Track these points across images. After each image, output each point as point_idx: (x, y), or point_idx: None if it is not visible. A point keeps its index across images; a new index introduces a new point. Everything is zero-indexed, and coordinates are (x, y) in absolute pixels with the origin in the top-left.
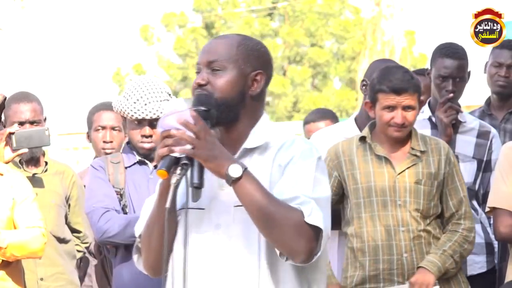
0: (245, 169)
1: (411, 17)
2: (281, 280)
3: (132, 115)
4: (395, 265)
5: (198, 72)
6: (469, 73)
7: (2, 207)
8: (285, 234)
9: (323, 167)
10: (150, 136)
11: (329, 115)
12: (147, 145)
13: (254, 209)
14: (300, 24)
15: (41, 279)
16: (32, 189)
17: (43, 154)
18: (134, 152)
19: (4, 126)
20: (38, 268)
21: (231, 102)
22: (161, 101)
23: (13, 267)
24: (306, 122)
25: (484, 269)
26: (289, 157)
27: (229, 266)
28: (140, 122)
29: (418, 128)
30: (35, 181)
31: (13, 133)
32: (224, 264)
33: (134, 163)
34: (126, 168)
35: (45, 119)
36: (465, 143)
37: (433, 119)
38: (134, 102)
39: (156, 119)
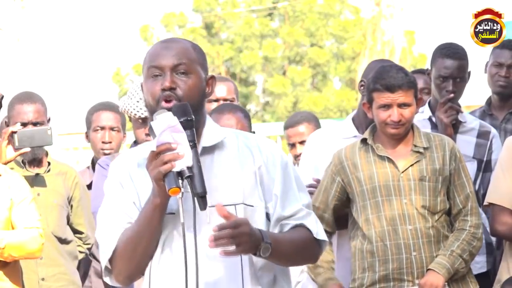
0: (270, 243)
1: (411, 17)
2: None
3: (136, 114)
4: (404, 264)
5: (157, 75)
6: (469, 73)
7: (0, 207)
8: (303, 260)
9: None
10: None
11: (308, 118)
12: None
13: (281, 262)
14: (300, 24)
15: (42, 279)
16: (30, 190)
17: (46, 154)
18: None
19: (8, 126)
20: (39, 268)
21: (197, 106)
22: None
23: (11, 267)
24: (286, 127)
25: (484, 269)
26: (267, 161)
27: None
28: (144, 121)
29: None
30: (38, 181)
31: (15, 132)
32: (206, 264)
33: None
34: None
35: (49, 120)
36: (465, 143)
37: (433, 119)
38: (137, 101)
39: None
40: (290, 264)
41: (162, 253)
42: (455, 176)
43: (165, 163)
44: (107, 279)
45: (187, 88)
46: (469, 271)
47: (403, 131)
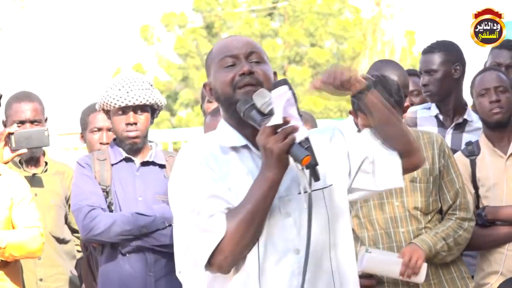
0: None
1: (411, 17)
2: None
3: (115, 103)
4: None
5: (230, 66)
6: (456, 66)
7: (0, 207)
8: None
9: None
10: (135, 123)
11: (305, 119)
12: (132, 133)
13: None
14: (300, 24)
15: (41, 279)
16: (30, 189)
17: (43, 154)
18: (120, 149)
19: (5, 126)
20: (37, 269)
21: None
22: (143, 89)
23: (11, 267)
24: None
25: None
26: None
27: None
28: (124, 111)
29: (425, 125)
30: (35, 181)
31: (12, 133)
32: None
33: (121, 160)
34: (112, 165)
35: (46, 120)
36: None
37: (440, 117)
38: (119, 89)
39: (139, 106)
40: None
41: (267, 239)
42: (444, 173)
43: (287, 136)
44: (208, 273)
45: (263, 74)
46: (464, 266)
47: None
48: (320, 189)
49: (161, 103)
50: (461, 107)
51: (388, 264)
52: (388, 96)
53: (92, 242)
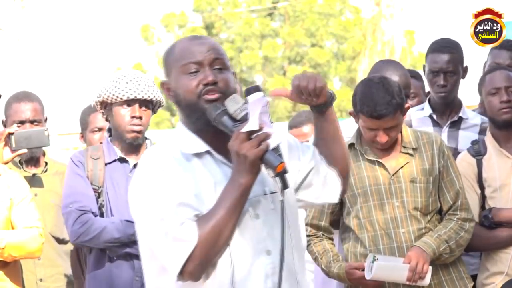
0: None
1: (411, 17)
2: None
3: (123, 96)
4: None
5: (193, 72)
6: (465, 68)
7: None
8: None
9: None
10: (140, 117)
11: (311, 119)
12: (137, 128)
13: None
14: (300, 24)
15: (40, 279)
16: (29, 189)
17: (43, 154)
18: (115, 147)
19: (5, 126)
20: (37, 269)
21: None
22: (149, 85)
23: (11, 267)
24: (289, 127)
25: (477, 271)
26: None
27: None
28: (130, 104)
29: (420, 126)
30: (35, 181)
31: (12, 134)
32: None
33: (115, 160)
34: (106, 164)
35: (46, 119)
36: (467, 139)
37: (434, 116)
38: (127, 83)
39: (146, 101)
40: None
41: (238, 242)
42: (444, 173)
43: (261, 142)
44: (179, 283)
45: (226, 82)
46: (463, 265)
47: (390, 144)
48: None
49: (163, 102)
50: (457, 105)
51: (396, 270)
52: (390, 98)
53: (81, 246)
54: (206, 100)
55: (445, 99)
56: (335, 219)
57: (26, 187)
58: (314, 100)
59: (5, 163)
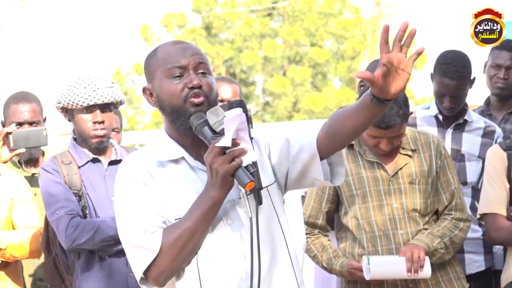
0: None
1: (411, 17)
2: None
3: (83, 102)
4: None
5: (178, 76)
6: (473, 79)
7: (0, 207)
8: None
9: None
10: (102, 122)
11: None
12: (100, 132)
13: None
14: (300, 24)
15: (40, 279)
16: (29, 189)
17: (43, 154)
18: (85, 150)
19: (4, 127)
20: (36, 269)
21: (215, 104)
22: (108, 87)
23: (12, 267)
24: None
25: (482, 268)
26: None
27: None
28: (90, 110)
29: (424, 125)
30: (34, 181)
31: (10, 133)
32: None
33: (87, 162)
34: (79, 167)
35: (44, 119)
36: (471, 142)
37: (440, 116)
38: (84, 88)
39: (106, 104)
40: None
41: (211, 244)
42: (440, 173)
43: (234, 158)
44: (142, 284)
45: (210, 86)
46: (459, 267)
47: (392, 149)
48: (266, 186)
49: (124, 101)
50: (464, 108)
51: (393, 264)
52: (397, 109)
53: (76, 251)
54: (192, 104)
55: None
56: (331, 218)
57: (26, 187)
58: (400, 83)
59: (4, 163)
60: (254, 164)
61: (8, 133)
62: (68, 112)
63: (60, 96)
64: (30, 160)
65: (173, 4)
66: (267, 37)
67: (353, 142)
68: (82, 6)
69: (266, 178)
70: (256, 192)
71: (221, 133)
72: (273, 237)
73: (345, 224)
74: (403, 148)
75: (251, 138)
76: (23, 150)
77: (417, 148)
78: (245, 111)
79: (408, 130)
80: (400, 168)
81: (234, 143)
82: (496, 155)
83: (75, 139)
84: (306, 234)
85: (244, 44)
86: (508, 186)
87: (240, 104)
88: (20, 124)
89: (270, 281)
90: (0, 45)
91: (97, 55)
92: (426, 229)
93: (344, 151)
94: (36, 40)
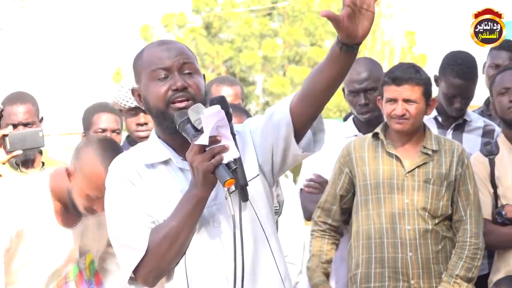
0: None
1: (411, 17)
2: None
3: (125, 104)
4: (399, 263)
5: (162, 78)
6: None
7: None
8: None
9: None
10: (146, 124)
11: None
12: (142, 134)
13: None
14: (300, 24)
15: None
16: None
17: (41, 153)
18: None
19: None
20: None
21: (204, 103)
22: None
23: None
24: None
25: (486, 271)
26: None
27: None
28: (135, 111)
29: None
30: None
31: (6, 135)
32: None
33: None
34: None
35: (41, 120)
36: (471, 142)
37: (439, 118)
38: (127, 92)
39: None
40: None
41: (198, 246)
42: (460, 182)
43: (214, 156)
44: (131, 284)
45: (196, 87)
46: None
47: (408, 127)
48: (249, 180)
49: None
50: None
51: None
52: (414, 71)
53: None
54: (175, 109)
55: None
56: (346, 209)
57: None
58: (366, 23)
59: (2, 164)
60: (236, 160)
61: (4, 135)
62: (121, 112)
63: (112, 95)
64: (27, 161)
65: (173, 4)
66: (267, 37)
67: (378, 131)
68: (82, 6)
69: (248, 172)
70: (241, 188)
71: (201, 131)
72: (254, 233)
73: (356, 215)
74: (424, 147)
75: (234, 134)
76: (20, 152)
77: (439, 150)
78: (226, 107)
79: (434, 134)
80: (418, 166)
81: (215, 140)
82: (478, 161)
83: (128, 137)
84: (314, 227)
85: (243, 44)
86: (492, 190)
87: (220, 100)
88: (15, 126)
89: (254, 280)
90: (0, 45)
91: (97, 55)
92: (437, 231)
93: (367, 140)
94: (36, 40)
